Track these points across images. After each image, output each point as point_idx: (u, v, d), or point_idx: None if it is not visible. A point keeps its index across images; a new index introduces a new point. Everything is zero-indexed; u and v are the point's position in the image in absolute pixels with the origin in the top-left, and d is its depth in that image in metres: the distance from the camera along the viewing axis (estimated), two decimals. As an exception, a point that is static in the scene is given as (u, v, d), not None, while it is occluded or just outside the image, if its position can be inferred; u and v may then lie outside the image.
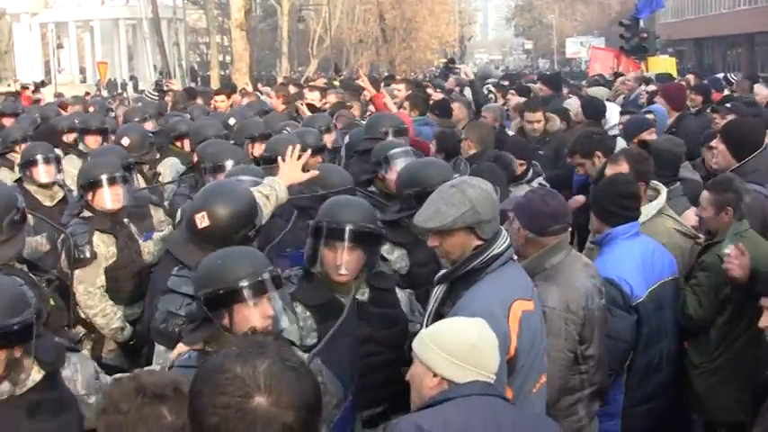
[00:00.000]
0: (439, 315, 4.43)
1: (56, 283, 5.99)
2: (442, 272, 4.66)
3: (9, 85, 16.57)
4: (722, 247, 5.89)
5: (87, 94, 29.88)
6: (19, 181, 8.35)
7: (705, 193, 6.39)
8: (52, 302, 5.34)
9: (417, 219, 4.53)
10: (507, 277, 4.48)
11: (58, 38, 59.55)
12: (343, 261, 4.83)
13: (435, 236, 4.48)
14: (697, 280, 6.11)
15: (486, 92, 15.55)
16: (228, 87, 16.95)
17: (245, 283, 4.06)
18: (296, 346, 4.59)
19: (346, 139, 9.02)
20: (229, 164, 7.08)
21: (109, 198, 6.69)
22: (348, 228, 4.81)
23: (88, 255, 6.49)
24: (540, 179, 8.64)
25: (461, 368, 3.73)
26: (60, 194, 8.28)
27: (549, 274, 5.06)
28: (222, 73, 54.41)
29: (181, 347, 4.27)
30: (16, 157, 9.41)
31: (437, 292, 4.59)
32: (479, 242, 4.43)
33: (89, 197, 6.73)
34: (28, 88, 18.26)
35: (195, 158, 8.04)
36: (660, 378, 5.93)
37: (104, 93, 32.51)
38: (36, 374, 3.87)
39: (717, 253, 6.01)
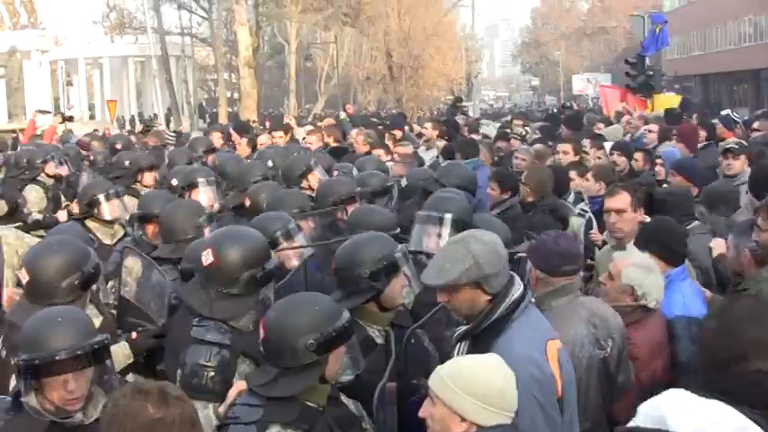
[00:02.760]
0: None
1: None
2: (463, 329, 4.53)
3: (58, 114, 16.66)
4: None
5: (96, 130, 29.97)
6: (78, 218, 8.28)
7: (730, 235, 6.47)
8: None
9: (424, 276, 4.50)
10: (533, 320, 4.46)
11: (68, 75, 59.90)
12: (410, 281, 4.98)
13: (443, 292, 4.43)
14: None
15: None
16: (285, 124, 16.47)
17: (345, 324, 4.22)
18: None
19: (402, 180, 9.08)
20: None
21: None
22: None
23: None
24: (582, 205, 8.79)
25: (490, 412, 3.76)
26: (121, 233, 8.19)
27: (547, 317, 5.04)
28: (230, 110, 54.66)
29: (241, 385, 4.28)
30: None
31: (460, 348, 4.51)
32: (487, 296, 4.36)
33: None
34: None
35: (248, 202, 7.86)
36: None
37: (114, 130, 32.47)
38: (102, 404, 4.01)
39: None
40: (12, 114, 50.88)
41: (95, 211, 8.15)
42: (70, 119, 18.09)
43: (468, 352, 4.40)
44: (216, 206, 8.30)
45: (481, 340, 4.40)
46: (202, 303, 4.89)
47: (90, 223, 8.11)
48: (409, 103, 57.00)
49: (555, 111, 33.07)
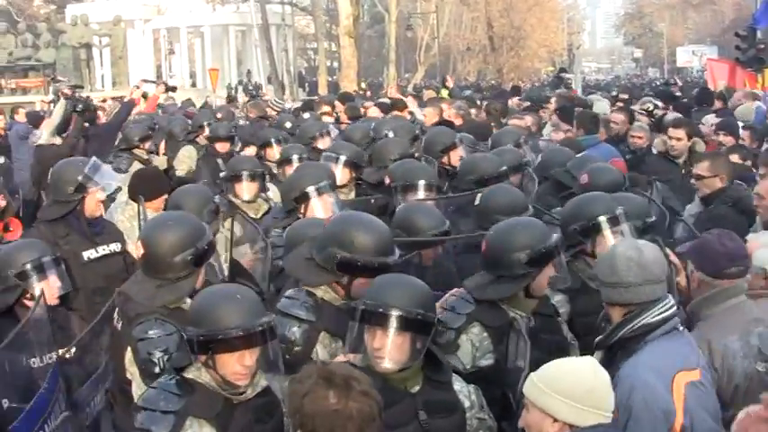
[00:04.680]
0: None
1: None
2: (599, 337, 4.45)
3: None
4: None
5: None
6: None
7: None
8: None
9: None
10: (669, 347, 4.26)
11: (170, 43, 60.45)
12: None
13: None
14: None
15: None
16: (400, 101, 16.13)
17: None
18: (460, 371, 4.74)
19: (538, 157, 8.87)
20: (421, 183, 7.02)
21: (320, 209, 6.61)
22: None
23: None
24: None
25: (583, 411, 3.63)
26: (265, 207, 8.21)
27: (702, 324, 4.79)
28: (329, 79, 54.76)
29: (341, 358, 4.35)
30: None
31: (595, 358, 4.33)
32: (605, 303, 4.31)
33: (301, 210, 6.70)
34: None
35: (387, 179, 7.65)
36: None
37: (216, 100, 32.48)
38: (263, 381, 4.25)
39: None
40: (116, 82, 51.59)
41: (233, 188, 8.17)
42: (173, 89, 18.13)
43: (601, 361, 4.22)
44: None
45: (614, 356, 4.29)
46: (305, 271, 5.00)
47: (233, 198, 8.12)
48: (510, 75, 56.62)
49: (658, 84, 32.32)
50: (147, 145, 11.96)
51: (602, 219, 5.68)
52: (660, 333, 4.22)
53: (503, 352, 4.76)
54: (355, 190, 8.25)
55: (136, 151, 11.73)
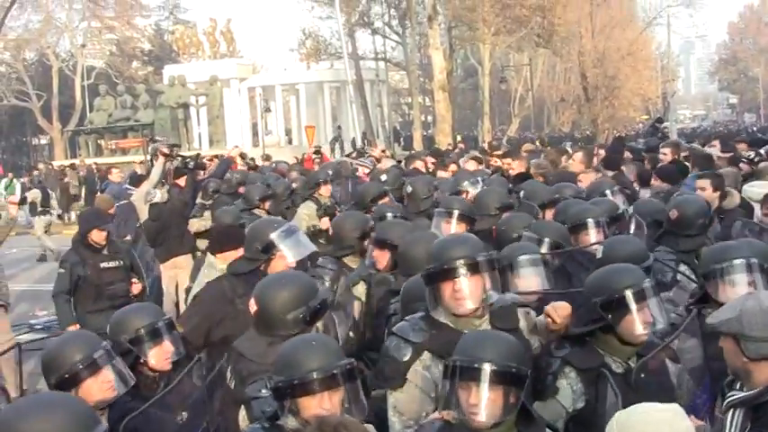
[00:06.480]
0: None
1: None
2: (737, 397, 4.13)
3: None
4: None
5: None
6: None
7: None
8: None
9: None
10: None
11: (266, 101, 61.29)
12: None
13: (721, 336, 4.16)
14: None
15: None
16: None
17: None
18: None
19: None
20: (591, 222, 7.18)
21: None
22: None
23: None
24: None
25: None
26: None
27: None
28: (425, 133, 54.99)
29: (436, 416, 4.37)
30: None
31: (735, 417, 4.11)
32: (744, 359, 4.02)
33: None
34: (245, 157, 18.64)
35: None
36: None
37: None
38: None
39: None
40: (213, 141, 52.50)
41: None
42: (252, 160, 18.47)
43: (743, 422, 4.03)
44: None
45: (762, 416, 3.99)
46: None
47: (346, 259, 7.77)
48: (605, 124, 56.21)
49: (755, 130, 31.71)
50: (268, 205, 12.08)
51: (719, 267, 5.55)
52: None
53: (593, 395, 4.71)
54: None
55: (256, 211, 11.78)
